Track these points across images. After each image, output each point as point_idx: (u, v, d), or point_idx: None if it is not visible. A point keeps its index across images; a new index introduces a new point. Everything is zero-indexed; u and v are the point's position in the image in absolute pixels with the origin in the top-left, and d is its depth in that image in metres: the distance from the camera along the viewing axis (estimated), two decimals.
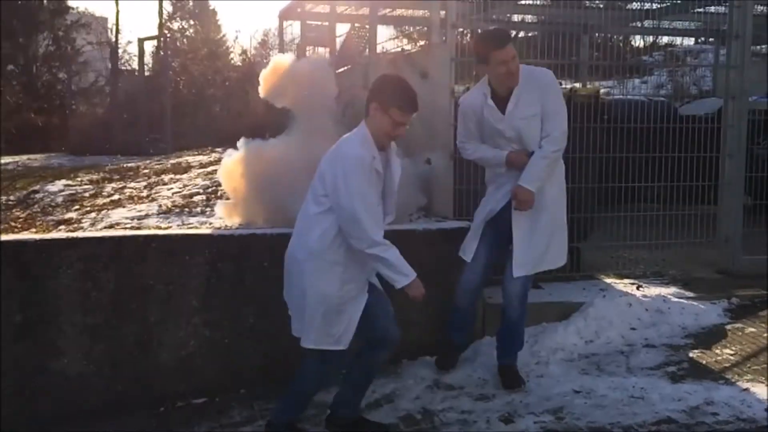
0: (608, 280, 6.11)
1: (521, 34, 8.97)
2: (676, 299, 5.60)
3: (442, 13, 5.96)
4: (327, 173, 3.65)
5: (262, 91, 5.66)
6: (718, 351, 4.95)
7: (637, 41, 8.62)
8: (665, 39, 8.15)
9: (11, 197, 8.00)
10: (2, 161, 12.04)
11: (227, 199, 5.84)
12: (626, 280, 6.11)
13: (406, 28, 8.75)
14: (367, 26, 7.86)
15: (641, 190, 6.65)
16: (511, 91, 4.36)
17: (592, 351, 4.99)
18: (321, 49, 10.22)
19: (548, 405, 4.23)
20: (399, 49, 7.86)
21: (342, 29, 10.36)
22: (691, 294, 5.83)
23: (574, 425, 3.97)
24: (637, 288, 5.83)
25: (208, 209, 6.22)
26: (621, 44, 8.28)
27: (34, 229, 5.99)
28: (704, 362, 4.77)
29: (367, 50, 7.78)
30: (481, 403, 4.34)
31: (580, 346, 5.04)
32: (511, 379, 4.51)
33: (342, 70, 6.95)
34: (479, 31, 4.67)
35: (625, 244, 6.62)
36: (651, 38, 8.14)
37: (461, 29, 6.95)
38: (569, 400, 4.25)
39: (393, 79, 3.81)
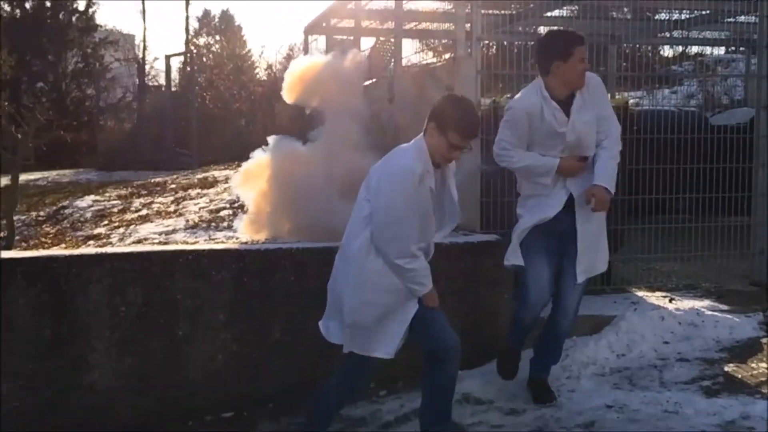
0: (640, 293, 6.02)
1: None
2: (710, 312, 5.50)
3: (468, 26, 5.94)
4: (373, 177, 3.61)
5: (289, 94, 5.66)
6: (753, 365, 4.85)
7: (666, 51, 8.54)
8: (695, 49, 8.06)
9: (41, 213, 8.09)
10: (33, 177, 12.19)
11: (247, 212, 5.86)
12: (658, 293, 6.02)
13: (432, 41, 8.74)
14: (392, 40, 7.87)
15: (672, 202, 6.56)
16: (570, 94, 4.19)
17: (624, 365, 4.91)
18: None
19: (580, 420, 4.16)
20: (424, 63, 7.85)
21: (367, 43, 10.40)
22: (724, 307, 5.73)
23: None
24: (670, 301, 5.74)
25: (234, 224, 6.24)
26: (650, 54, 8.21)
27: (63, 245, 6.04)
28: (740, 376, 4.67)
29: (392, 64, 7.78)
30: (511, 418, 4.28)
31: (611, 360, 4.96)
32: (542, 394, 4.44)
33: (368, 83, 6.95)
34: (547, 30, 4.42)
35: (656, 257, 6.53)
36: (680, 48, 8.05)
37: (486, 42, 6.93)
38: (601, 415, 4.18)
39: (455, 102, 3.68)
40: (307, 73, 6.03)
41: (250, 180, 6.03)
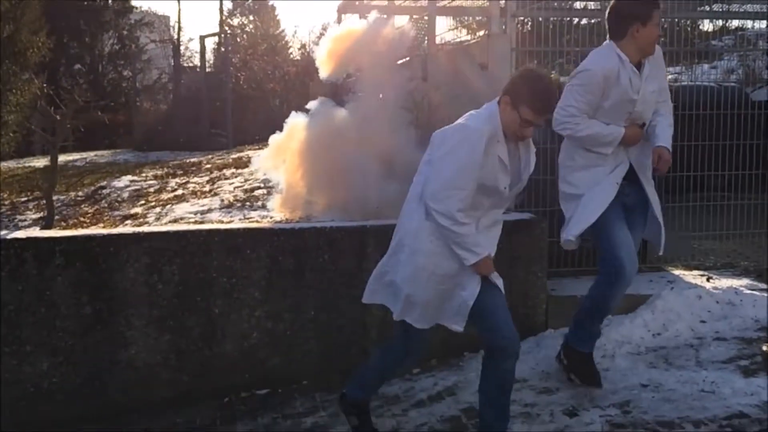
0: (676, 272, 5.94)
1: (584, 21, 8.76)
2: (749, 291, 5.40)
3: (502, 2, 5.87)
4: (437, 136, 3.50)
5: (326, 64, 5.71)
6: None
7: (706, 25, 8.34)
8: (735, 22, 7.86)
9: (80, 193, 8.22)
10: (71, 158, 12.37)
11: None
12: (695, 272, 5.93)
13: (466, 18, 8.65)
14: (426, 18, 7.80)
15: (711, 179, 6.43)
16: (638, 63, 4.05)
17: (660, 344, 4.86)
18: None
19: (614, 399, 4.13)
20: (458, 41, 7.77)
21: (401, 21, 10.34)
22: (763, 285, 5.61)
23: (641, 419, 3.87)
24: (707, 280, 5.65)
25: (268, 204, 6.28)
26: (689, 29, 8.03)
27: (101, 224, 6.13)
28: None
29: (426, 42, 7.72)
30: (544, 396, 4.27)
31: (647, 339, 4.90)
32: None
33: (402, 61, 6.92)
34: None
35: (694, 235, 6.42)
36: (720, 22, 7.87)
37: (521, 19, 6.84)
38: (636, 394, 4.15)
39: (531, 75, 3.47)
40: (344, 42, 6.08)
41: (280, 154, 6.09)
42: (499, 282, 3.58)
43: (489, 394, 3.62)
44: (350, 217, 5.31)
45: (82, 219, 6.87)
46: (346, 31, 6.22)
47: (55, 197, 7.23)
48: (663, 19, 7.50)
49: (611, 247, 4.07)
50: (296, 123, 6.07)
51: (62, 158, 10.81)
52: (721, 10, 7.34)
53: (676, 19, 7.38)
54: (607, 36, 4.14)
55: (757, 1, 6.93)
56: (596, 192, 4.10)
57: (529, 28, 7.29)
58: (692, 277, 5.78)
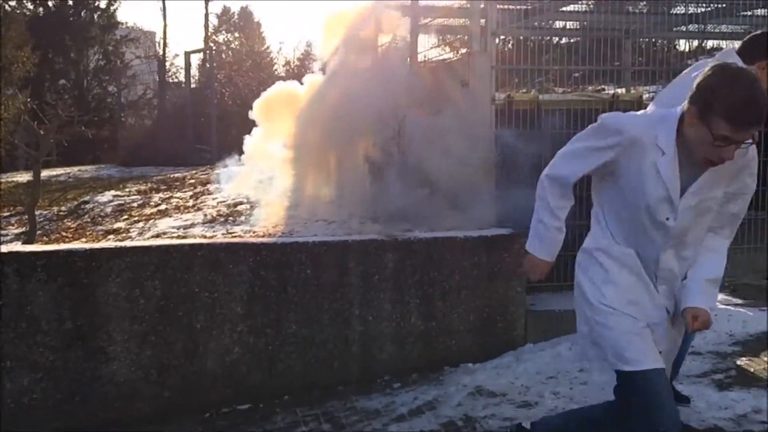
0: None
1: (563, 40, 8.89)
2: (723, 306, 5.49)
3: (483, 21, 5.97)
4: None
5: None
6: (766, 358, 4.84)
7: (682, 45, 8.50)
8: (711, 42, 8.02)
9: (62, 208, 8.21)
10: (55, 173, 12.35)
11: None
12: None
13: (448, 36, 8.75)
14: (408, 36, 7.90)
15: None
16: None
17: None
18: None
19: None
20: (441, 58, 7.87)
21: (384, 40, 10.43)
22: (738, 300, 5.71)
23: None
24: None
25: (251, 218, 6.32)
26: (665, 49, 8.18)
27: (84, 239, 6.14)
28: (752, 370, 4.66)
29: (408, 60, 7.81)
30: (523, 410, 4.32)
31: None
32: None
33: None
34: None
35: None
36: (696, 42, 8.03)
37: (503, 37, 6.94)
38: None
39: (726, 75, 2.48)
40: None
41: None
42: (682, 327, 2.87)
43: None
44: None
45: (64, 234, 6.88)
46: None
47: (37, 212, 7.23)
48: (640, 39, 7.66)
49: None
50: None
51: (45, 173, 10.79)
52: (696, 30, 7.49)
53: (653, 39, 7.51)
54: None
55: (732, 23, 7.08)
56: None
57: (511, 47, 7.39)
58: None
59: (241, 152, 9.22)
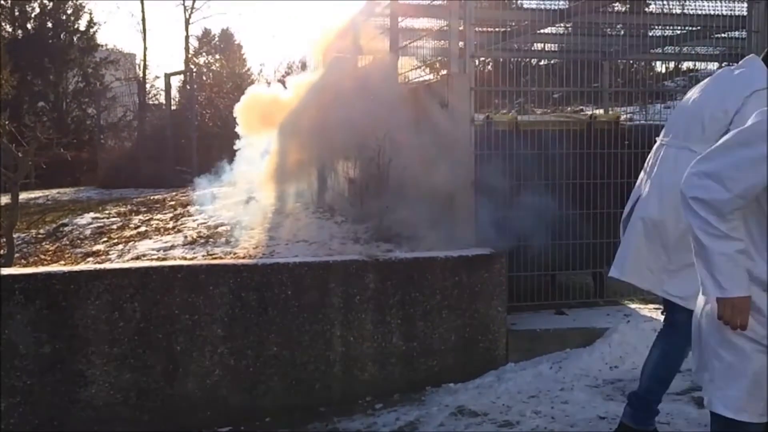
0: (632, 306, 6.06)
1: (542, 62, 9.00)
2: None
3: (461, 43, 6.03)
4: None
5: None
6: None
7: (659, 67, 8.63)
8: (687, 64, 8.15)
9: (41, 230, 8.15)
10: (33, 195, 12.26)
11: None
12: (651, 305, 6.06)
13: (428, 58, 8.84)
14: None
15: None
16: None
17: (617, 377, 4.95)
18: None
19: (573, 431, 4.20)
20: (420, 79, 7.93)
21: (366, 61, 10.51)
22: None
23: None
24: (662, 313, 5.77)
25: (232, 239, 6.30)
26: (643, 70, 8.30)
27: (62, 261, 6.10)
28: None
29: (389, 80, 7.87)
30: (505, 429, 4.32)
31: (605, 371, 5.00)
32: None
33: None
34: None
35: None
36: (673, 64, 8.15)
37: (482, 59, 7.01)
38: (594, 426, 4.22)
39: None
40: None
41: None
42: None
43: None
44: None
45: (42, 257, 6.82)
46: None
47: (15, 235, 7.17)
48: (618, 61, 7.77)
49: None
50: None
51: (24, 195, 10.71)
52: (673, 52, 7.61)
53: (631, 61, 7.62)
54: None
55: (708, 44, 7.20)
56: None
57: (490, 68, 7.46)
58: (648, 310, 5.90)
59: (219, 173, 9.26)
